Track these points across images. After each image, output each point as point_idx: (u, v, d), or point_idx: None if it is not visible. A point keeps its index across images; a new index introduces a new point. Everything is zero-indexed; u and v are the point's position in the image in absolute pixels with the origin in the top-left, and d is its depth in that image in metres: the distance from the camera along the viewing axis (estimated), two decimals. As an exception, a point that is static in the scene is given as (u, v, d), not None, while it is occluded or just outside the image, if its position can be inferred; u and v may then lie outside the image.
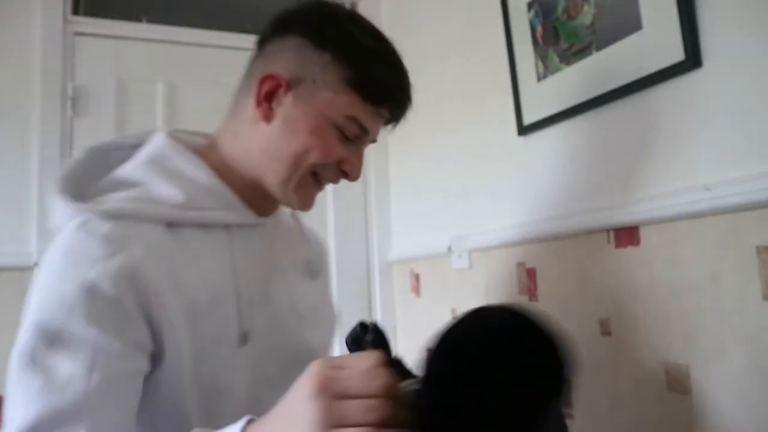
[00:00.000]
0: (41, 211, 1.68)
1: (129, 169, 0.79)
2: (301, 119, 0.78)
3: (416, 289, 1.84)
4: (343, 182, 0.88)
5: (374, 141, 0.89)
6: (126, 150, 0.83)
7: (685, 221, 0.97)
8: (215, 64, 1.95)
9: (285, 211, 0.93)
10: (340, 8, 0.85)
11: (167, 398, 0.72)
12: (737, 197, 0.87)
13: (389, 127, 0.90)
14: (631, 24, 1.05)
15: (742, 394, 0.88)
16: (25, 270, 1.65)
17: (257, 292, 0.80)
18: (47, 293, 0.73)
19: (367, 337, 0.76)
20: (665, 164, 1.02)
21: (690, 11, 0.95)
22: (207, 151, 0.85)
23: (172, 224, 0.75)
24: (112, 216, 0.72)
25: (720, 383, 0.92)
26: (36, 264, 1.65)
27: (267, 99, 0.80)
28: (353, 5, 2.19)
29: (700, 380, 0.95)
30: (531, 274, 1.33)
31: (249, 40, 2.21)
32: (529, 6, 1.31)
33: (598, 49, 1.13)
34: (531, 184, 1.35)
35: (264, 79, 0.80)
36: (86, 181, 0.78)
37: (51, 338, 0.68)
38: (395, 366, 0.64)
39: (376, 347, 0.73)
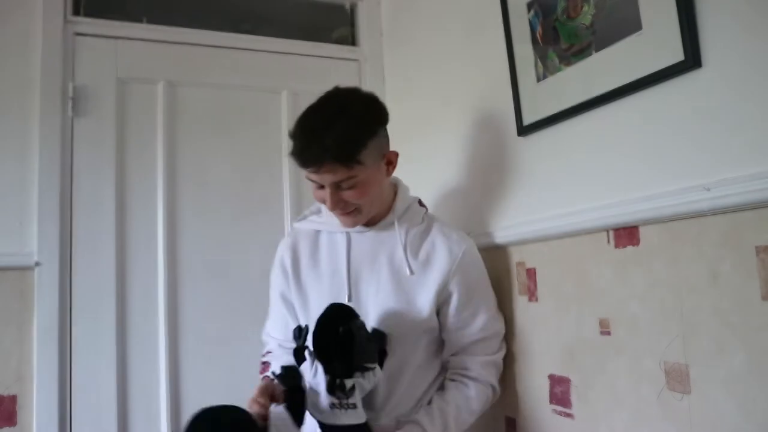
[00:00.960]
0: (41, 212, 1.68)
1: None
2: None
3: (416, 289, 1.84)
4: None
5: (337, 185, 1.16)
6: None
7: (684, 221, 0.97)
8: (215, 64, 1.95)
9: (394, 224, 1.30)
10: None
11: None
12: (737, 197, 0.87)
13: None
14: (631, 24, 1.06)
15: (742, 394, 0.88)
16: (26, 270, 1.65)
17: (358, 271, 1.26)
18: None
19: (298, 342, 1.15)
20: (664, 164, 1.02)
21: (689, 11, 0.96)
22: None
23: (317, 231, 1.34)
24: (295, 226, 1.40)
25: (719, 383, 0.92)
26: (36, 264, 1.65)
27: None
28: (353, 6, 2.20)
29: (700, 380, 0.95)
30: (531, 273, 1.33)
31: (249, 40, 2.23)
32: (529, 6, 1.31)
33: (598, 49, 1.13)
34: (531, 184, 1.35)
35: None
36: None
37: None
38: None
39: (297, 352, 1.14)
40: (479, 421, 1.31)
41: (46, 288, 1.66)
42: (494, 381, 1.30)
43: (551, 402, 1.27)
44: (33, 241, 1.67)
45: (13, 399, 1.61)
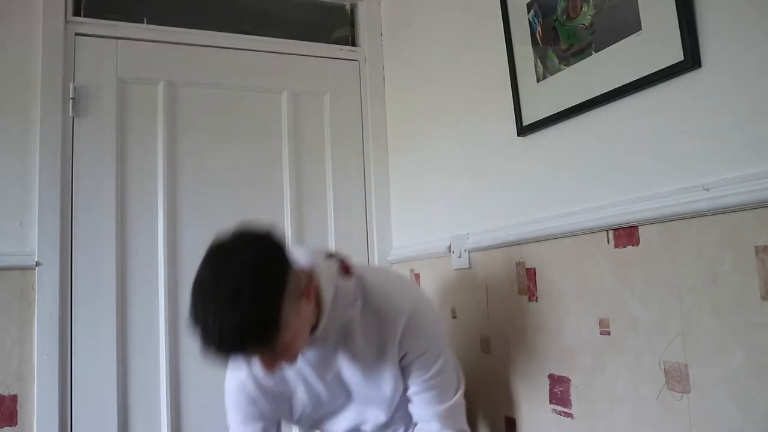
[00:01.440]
0: (42, 212, 1.68)
1: None
2: None
3: (416, 289, 1.85)
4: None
5: (271, 353, 1.00)
6: None
7: (684, 221, 0.97)
8: (215, 64, 1.95)
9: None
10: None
11: None
12: (736, 197, 0.88)
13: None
14: (631, 25, 1.06)
15: (741, 393, 0.89)
16: (26, 270, 1.66)
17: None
18: None
19: None
20: (664, 164, 1.02)
21: (689, 12, 0.96)
22: None
23: None
24: None
25: (719, 382, 0.92)
26: (37, 264, 1.66)
27: None
28: (353, 6, 2.20)
29: (699, 379, 0.95)
30: (531, 273, 1.34)
31: (249, 41, 2.24)
32: (529, 7, 1.32)
33: (598, 49, 1.14)
34: (530, 184, 1.35)
35: None
36: None
37: None
38: None
39: None
40: (479, 422, 1.31)
41: (46, 288, 1.66)
42: (462, 425, 1.25)
43: (551, 402, 1.28)
44: (33, 241, 1.67)
45: (13, 399, 1.61)
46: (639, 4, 1.04)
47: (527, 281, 1.34)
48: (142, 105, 1.86)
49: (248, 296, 0.92)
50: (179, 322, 1.81)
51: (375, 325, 1.17)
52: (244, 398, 1.20)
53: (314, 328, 1.08)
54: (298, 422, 1.29)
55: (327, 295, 1.09)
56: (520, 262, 1.37)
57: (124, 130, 1.83)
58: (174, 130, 1.88)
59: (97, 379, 1.70)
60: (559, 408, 1.25)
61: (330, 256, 1.20)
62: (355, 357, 1.18)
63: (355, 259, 1.24)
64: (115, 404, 1.71)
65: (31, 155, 1.70)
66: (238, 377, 1.20)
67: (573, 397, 1.22)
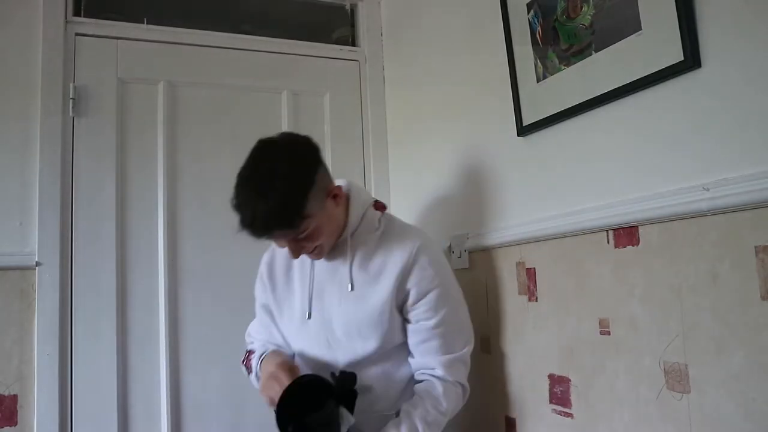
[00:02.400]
0: (42, 212, 1.68)
1: None
2: None
3: (416, 289, 1.84)
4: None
5: (293, 240, 1.19)
6: None
7: (683, 221, 0.97)
8: (215, 64, 1.95)
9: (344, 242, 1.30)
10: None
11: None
12: (736, 197, 0.87)
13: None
14: (631, 25, 1.06)
15: (741, 393, 0.89)
16: (26, 270, 1.66)
17: (322, 287, 1.31)
18: None
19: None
20: (664, 164, 1.02)
21: (689, 12, 0.96)
22: None
23: None
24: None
25: (719, 382, 0.92)
26: (37, 264, 1.66)
27: None
28: (353, 6, 2.20)
29: (699, 379, 0.95)
30: (531, 273, 1.34)
31: (249, 41, 2.24)
32: (529, 7, 1.32)
33: (597, 49, 1.14)
34: (530, 184, 1.35)
35: None
36: None
37: None
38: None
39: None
40: (479, 422, 1.31)
41: (46, 288, 1.66)
42: (462, 379, 1.29)
43: (551, 402, 1.28)
44: (34, 241, 1.67)
45: (14, 398, 1.61)
46: (639, 4, 1.04)
47: (527, 281, 1.34)
48: (142, 105, 1.86)
49: (279, 186, 1.11)
50: (179, 322, 1.81)
51: (386, 251, 1.27)
52: (260, 285, 1.42)
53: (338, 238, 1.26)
54: (286, 331, 1.39)
55: (354, 215, 1.27)
56: (520, 262, 1.37)
57: (124, 130, 1.83)
58: (174, 130, 1.89)
59: (97, 378, 1.70)
60: (559, 408, 1.25)
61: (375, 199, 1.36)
62: (359, 268, 1.27)
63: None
64: (115, 404, 1.71)
65: (31, 155, 1.70)
66: (262, 262, 1.42)
67: (573, 397, 1.22)
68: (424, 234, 1.35)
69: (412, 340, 1.28)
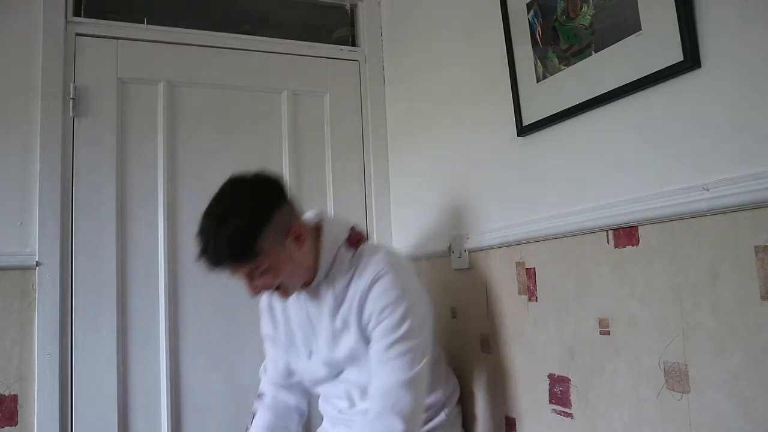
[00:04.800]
0: (42, 212, 1.68)
1: None
2: None
3: (416, 289, 1.84)
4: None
5: (249, 275, 1.19)
6: None
7: (683, 221, 0.97)
8: (215, 64, 1.95)
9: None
10: None
11: None
12: (736, 197, 0.87)
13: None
14: (630, 25, 1.06)
15: (741, 393, 0.89)
16: (26, 270, 1.66)
17: (316, 326, 1.33)
18: None
19: None
20: (664, 164, 1.02)
21: (689, 12, 0.96)
22: None
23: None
24: None
25: (718, 382, 0.92)
26: (37, 263, 1.66)
27: None
28: (353, 6, 2.20)
29: (699, 379, 0.95)
30: (530, 273, 1.34)
31: (249, 41, 2.24)
32: (529, 7, 1.32)
33: (597, 50, 1.14)
34: (530, 184, 1.35)
35: None
36: None
37: None
38: None
39: None
40: (479, 422, 1.31)
41: (46, 288, 1.66)
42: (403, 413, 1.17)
43: (551, 402, 1.28)
44: (34, 241, 1.67)
45: (14, 398, 1.61)
46: (639, 4, 1.04)
47: (527, 281, 1.34)
48: (142, 105, 1.86)
49: (234, 219, 1.13)
50: (179, 322, 1.81)
51: (353, 290, 1.26)
52: (264, 320, 1.45)
53: (310, 281, 1.28)
54: (295, 366, 1.42)
55: (324, 255, 1.26)
56: (520, 262, 1.37)
57: (124, 130, 1.83)
58: (174, 130, 1.89)
59: (97, 378, 1.70)
60: (559, 408, 1.25)
61: (352, 228, 1.33)
62: (331, 315, 1.28)
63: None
64: (116, 404, 1.71)
65: (31, 155, 1.70)
66: (262, 301, 1.44)
67: (573, 397, 1.22)
68: (387, 259, 1.26)
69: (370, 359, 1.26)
